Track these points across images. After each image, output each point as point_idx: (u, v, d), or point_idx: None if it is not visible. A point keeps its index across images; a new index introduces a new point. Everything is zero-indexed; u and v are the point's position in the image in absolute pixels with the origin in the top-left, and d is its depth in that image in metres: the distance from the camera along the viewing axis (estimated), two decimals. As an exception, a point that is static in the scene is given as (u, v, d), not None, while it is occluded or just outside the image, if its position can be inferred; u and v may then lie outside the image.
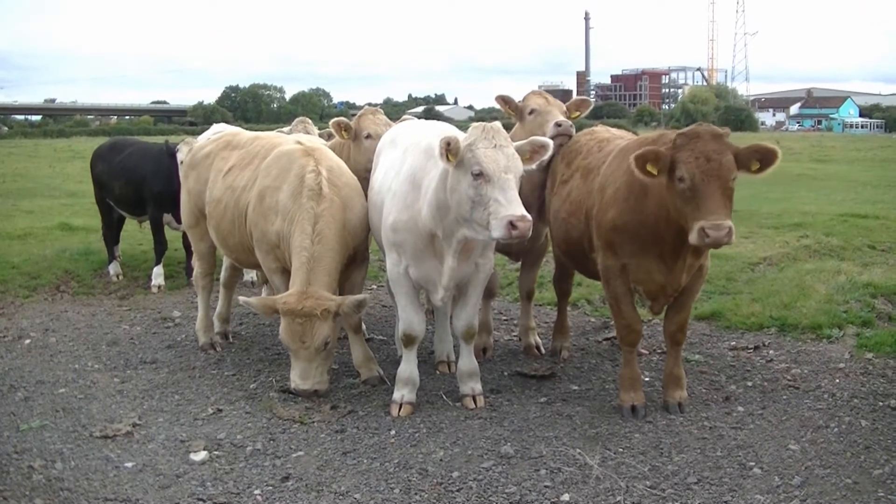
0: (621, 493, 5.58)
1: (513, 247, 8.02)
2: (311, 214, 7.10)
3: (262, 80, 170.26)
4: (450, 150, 6.13)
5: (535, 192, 8.12)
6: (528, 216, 5.95)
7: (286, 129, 11.01)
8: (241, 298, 7.33)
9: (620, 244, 6.66)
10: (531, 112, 7.97)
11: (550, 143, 6.53)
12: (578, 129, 8.12)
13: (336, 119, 9.04)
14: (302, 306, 6.81)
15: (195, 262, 9.44)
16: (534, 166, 6.49)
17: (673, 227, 6.21)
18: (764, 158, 6.04)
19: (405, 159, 7.03)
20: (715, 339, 8.96)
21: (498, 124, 6.33)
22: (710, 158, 5.84)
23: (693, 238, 5.83)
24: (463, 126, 8.82)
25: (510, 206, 5.94)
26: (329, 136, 9.57)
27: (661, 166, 6.02)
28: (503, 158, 6.08)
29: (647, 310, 7.32)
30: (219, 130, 10.95)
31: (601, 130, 7.88)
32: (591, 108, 8.64)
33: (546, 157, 6.50)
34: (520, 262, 9.04)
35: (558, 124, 7.74)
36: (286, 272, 7.42)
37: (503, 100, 8.17)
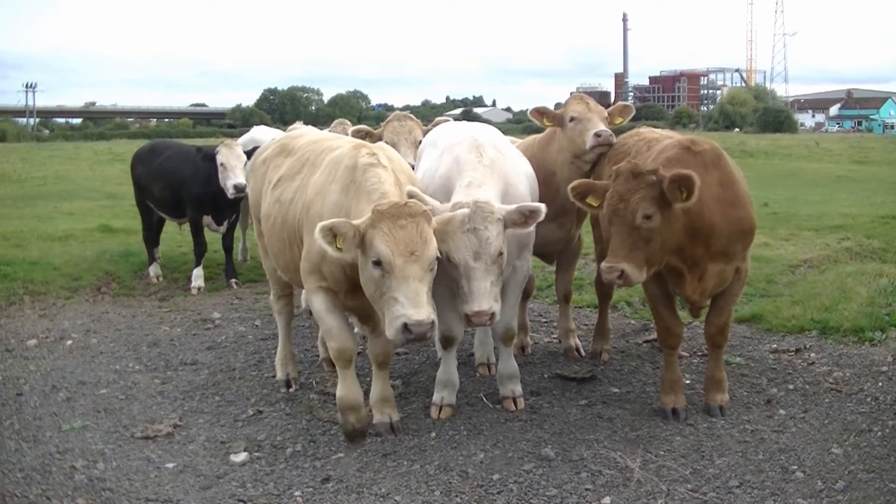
0: (662, 496, 5.55)
1: (546, 248, 7.94)
2: (376, 176, 6.13)
3: (299, 83, 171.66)
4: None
5: None
6: None
7: (325, 130, 11.00)
8: (317, 230, 5.70)
9: None
10: (571, 119, 7.73)
11: (543, 208, 6.32)
12: (618, 132, 7.96)
13: (356, 127, 9.00)
14: (405, 202, 5.76)
15: (270, 283, 8.30)
16: (530, 229, 6.40)
17: (687, 231, 6.22)
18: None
19: (441, 161, 6.98)
20: (756, 341, 8.87)
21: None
22: (622, 199, 6.04)
23: None
24: (501, 127, 8.77)
25: None
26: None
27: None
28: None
29: (687, 312, 7.30)
30: (267, 138, 10.99)
31: (646, 131, 7.76)
32: (633, 114, 8.19)
33: (540, 219, 6.33)
34: (555, 265, 8.96)
35: (598, 134, 7.53)
36: (329, 291, 6.49)
37: (538, 112, 7.99)
